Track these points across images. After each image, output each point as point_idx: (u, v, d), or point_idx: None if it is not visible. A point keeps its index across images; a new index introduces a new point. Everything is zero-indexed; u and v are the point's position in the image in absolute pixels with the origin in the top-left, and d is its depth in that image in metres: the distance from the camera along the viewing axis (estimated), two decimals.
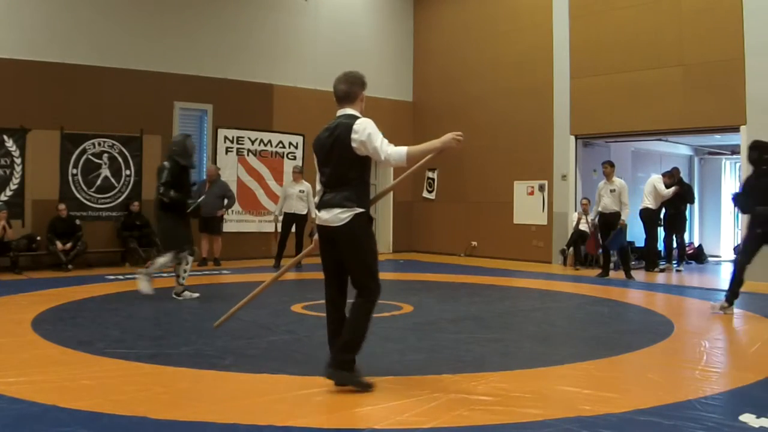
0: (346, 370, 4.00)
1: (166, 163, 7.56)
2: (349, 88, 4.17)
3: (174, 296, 7.71)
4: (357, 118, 4.06)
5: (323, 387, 4.09)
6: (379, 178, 14.91)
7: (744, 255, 6.94)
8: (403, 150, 3.95)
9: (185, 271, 7.71)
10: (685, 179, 13.88)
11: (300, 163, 13.02)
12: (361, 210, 4.01)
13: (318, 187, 4.25)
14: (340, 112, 4.19)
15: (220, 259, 11.73)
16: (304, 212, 11.23)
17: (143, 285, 7.37)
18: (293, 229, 11.26)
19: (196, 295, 7.80)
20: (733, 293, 6.98)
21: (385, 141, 3.98)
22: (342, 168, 4.04)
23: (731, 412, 3.61)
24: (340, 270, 4.14)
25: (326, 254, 4.16)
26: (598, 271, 10.71)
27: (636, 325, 6.54)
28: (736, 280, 6.94)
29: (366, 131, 3.95)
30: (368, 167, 4.13)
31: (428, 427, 3.38)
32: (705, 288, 9.45)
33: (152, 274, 7.48)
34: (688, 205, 12.36)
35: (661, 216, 11.63)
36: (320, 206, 4.11)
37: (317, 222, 4.16)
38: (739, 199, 7.21)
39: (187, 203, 7.66)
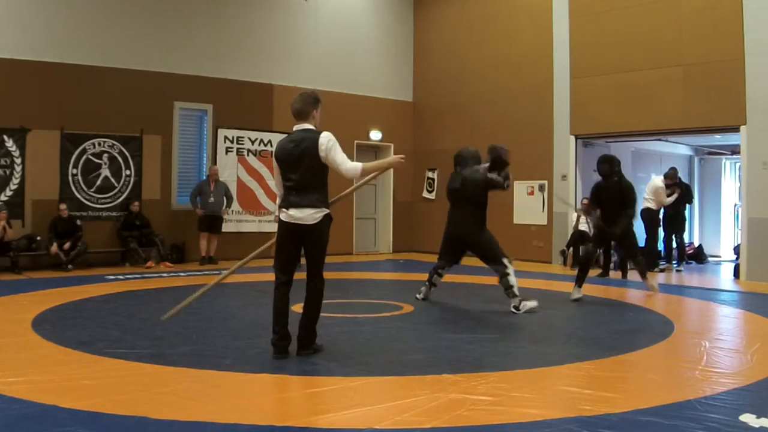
0: (314, 343, 4.94)
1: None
2: (303, 107, 4.86)
3: (513, 311, 6.99)
4: (319, 132, 4.77)
5: (323, 387, 4.10)
6: (378, 179, 14.95)
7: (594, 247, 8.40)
8: (359, 166, 4.77)
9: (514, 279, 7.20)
10: (685, 179, 13.89)
11: None
12: (328, 210, 4.78)
13: (279, 190, 4.95)
14: (299, 127, 4.86)
15: (216, 258, 11.76)
16: None
17: (530, 304, 7.03)
18: None
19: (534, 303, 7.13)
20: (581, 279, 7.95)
21: (344, 156, 4.74)
22: (309, 174, 4.73)
23: (731, 412, 3.61)
24: (295, 260, 4.90)
25: (290, 246, 4.83)
26: (598, 271, 10.71)
27: (636, 325, 6.54)
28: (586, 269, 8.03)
29: (330, 143, 4.70)
30: (327, 174, 4.84)
31: (428, 427, 3.37)
32: (705, 288, 9.45)
33: (516, 290, 7.09)
34: (687, 206, 12.37)
35: (660, 216, 11.64)
36: (289, 206, 4.75)
37: (285, 219, 4.77)
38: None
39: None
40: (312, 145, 4.69)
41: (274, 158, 4.91)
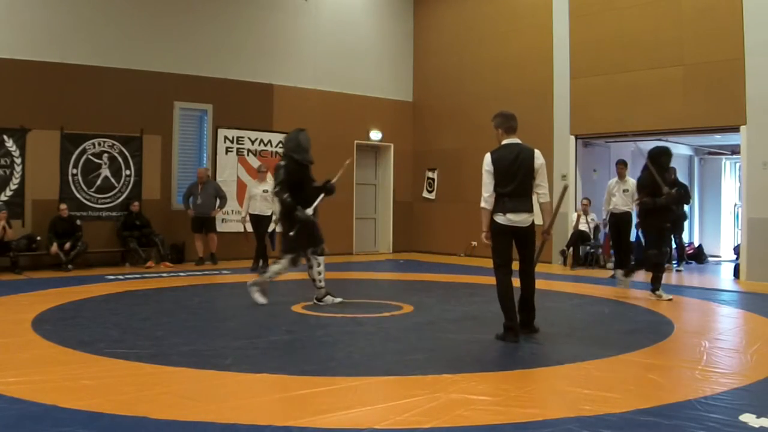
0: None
1: (282, 162, 7.16)
2: (516, 124, 5.76)
3: (315, 302, 7.23)
4: (531, 148, 5.59)
5: (323, 387, 4.09)
6: (378, 179, 14.98)
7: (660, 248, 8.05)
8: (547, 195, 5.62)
9: (319, 273, 7.23)
10: (685, 179, 13.89)
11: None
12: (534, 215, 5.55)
13: (487, 194, 5.52)
14: (511, 140, 5.65)
15: (216, 255, 11.74)
16: (268, 213, 10.75)
17: (257, 296, 7.17)
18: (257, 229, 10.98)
19: (339, 299, 7.33)
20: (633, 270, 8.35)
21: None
22: (525, 183, 5.47)
23: (731, 412, 3.61)
24: (512, 257, 5.62)
25: (507, 245, 5.58)
26: (599, 270, 10.67)
27: (636, 325, 6.54)
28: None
29: (541, 161, 5.54)
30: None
31: (428, 427, 3.38)
32: (705, 288, 9.44)
33: (267, 282, 7.22)
34: (686, 206, 12.36)
35: None
36: (506, 210, 5.45)
37: (502, 222, 5.49)
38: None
39: (298, 208, 6.98)
40: (530, 158, 5.49)
41: (489, 165, 5.54)
